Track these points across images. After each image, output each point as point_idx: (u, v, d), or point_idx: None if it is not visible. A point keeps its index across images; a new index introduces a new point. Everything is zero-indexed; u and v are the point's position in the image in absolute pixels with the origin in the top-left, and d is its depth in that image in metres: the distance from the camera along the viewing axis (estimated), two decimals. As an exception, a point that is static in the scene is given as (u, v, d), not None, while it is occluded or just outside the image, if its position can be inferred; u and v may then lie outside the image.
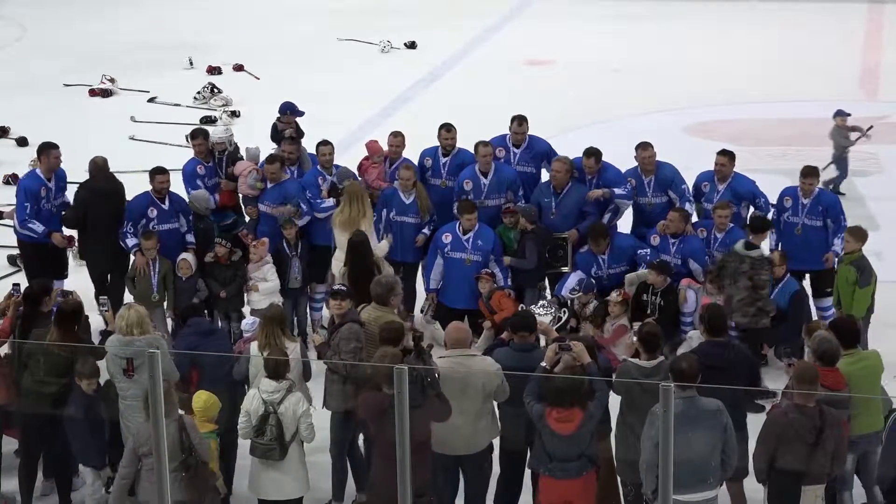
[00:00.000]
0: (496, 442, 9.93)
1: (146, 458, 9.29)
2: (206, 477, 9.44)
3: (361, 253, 12.16)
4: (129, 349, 10.00)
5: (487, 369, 9.56)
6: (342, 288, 11.04)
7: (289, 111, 14.77)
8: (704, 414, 8.79)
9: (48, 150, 13.40)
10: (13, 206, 13.50)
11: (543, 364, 9.33)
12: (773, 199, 13.30)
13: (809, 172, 12.99)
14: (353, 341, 10.33)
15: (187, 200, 13.45)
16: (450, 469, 9.71)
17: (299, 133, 14.67)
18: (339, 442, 10.46)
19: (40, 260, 13.23)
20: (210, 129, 15.04)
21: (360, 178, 13.62)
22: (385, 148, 13.95)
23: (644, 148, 13.23)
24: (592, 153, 13.27)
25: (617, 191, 13.08)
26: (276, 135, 14.67)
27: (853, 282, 11.84)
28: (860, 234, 12.05)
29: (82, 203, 13.26)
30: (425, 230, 13.25)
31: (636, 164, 13.32)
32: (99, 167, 13.42)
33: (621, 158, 13.56)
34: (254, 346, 10.49)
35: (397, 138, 13.88)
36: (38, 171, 13.46)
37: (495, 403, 9.73)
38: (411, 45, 25.56)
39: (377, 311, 10.67)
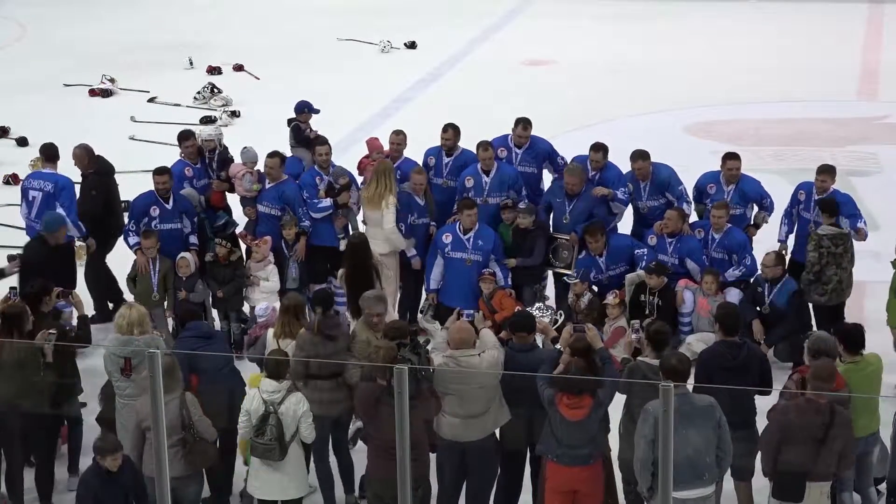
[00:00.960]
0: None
1: (150, 432, 9.36)
2: (203, 452, 9.61)
3: (361, 255, 12.12)
4: (127, 349, 10.00)
5: (489, 370, 9.57)
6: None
7: (306, 109, 14.81)
8: (697, 410, 8.82)
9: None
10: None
11: (559, 346, 9.40)
12: (775, 199, 13.31)
13: (824, 170, 12.92)
14: (298, 350, 10.38)
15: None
16: (455, 461, 9.71)
17: (313, 132, 14.70)
18: (317, 443, 10.38)
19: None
20: (198, 128, 15.07)
21: (358, 178, 13.64)
22: (386, 146, 13.96)
23: (635, 160, 13.22)
24: (600, 147, 13.28)
25: (617, 194, 13.08)
26: (300, 135, 14.62)
27: None
28: None
29: (103, 189, 13.46)
30: (432, 224, 13.29)
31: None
32: (91, 151, 13.56)
33: (621, 158, 13.56)
34: (270, 333, 10.53)
35: (399, 136, 13.88)
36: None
37: (500, 390, 9.72)
38: (411, 45, 25.57)
39: (363, 330, 10.53)
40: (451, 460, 9.74)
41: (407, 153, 13.90)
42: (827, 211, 12.23)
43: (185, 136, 13.91)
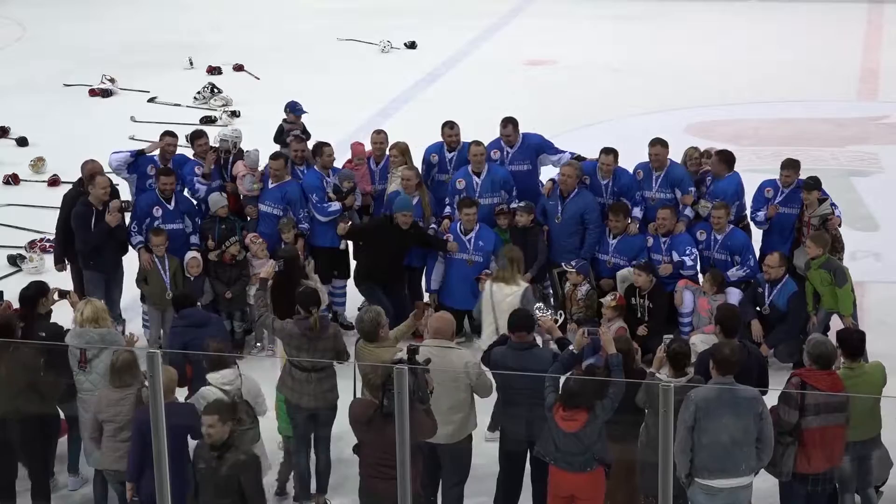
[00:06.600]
0: (496, 443, 9.95)
1: (107, 425, 9.44)
2: None
3: (290, 269, 11.90)
4: (81, 340, 9.98)
5: (461, 363, 9.56)
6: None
7: (287, 109, 14.74)
8: (740, 401, 8.90)
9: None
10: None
11: (572, 348, 9.41)
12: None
13: (788, 165, 13.05)
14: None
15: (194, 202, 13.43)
16: (427, 457, 9.63)
17: (306, 134, 14.67)
18: (298, 437, 10.38)
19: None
20: (219, 129, 15.03)
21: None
22: (368, 146, 13.93)
23: (653, 145, 13.15)
24: (611, 151, 13.15)
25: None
26: (281, 136, 14.61)
27: (829, 283, 11.92)
28: (822, 240, 12.04)
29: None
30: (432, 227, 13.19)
31: (647, 159, 13.22)
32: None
33: (622, 158, 13.52)
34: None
35: (380, 136, 13.89)
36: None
37: (475, 397, 9.71)
38: (411, 45, 25.58)
39: (367, 348, 10.13)
40: (421, 452, 9.68)
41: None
42: (809, 187, 12.55)
43: (197, 136, 13.87)
